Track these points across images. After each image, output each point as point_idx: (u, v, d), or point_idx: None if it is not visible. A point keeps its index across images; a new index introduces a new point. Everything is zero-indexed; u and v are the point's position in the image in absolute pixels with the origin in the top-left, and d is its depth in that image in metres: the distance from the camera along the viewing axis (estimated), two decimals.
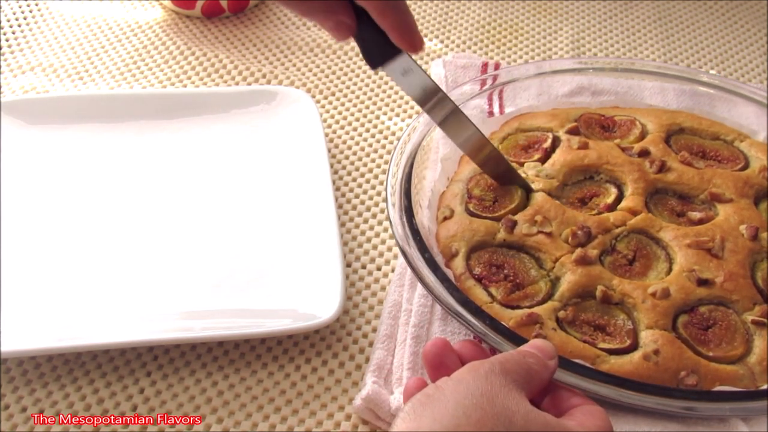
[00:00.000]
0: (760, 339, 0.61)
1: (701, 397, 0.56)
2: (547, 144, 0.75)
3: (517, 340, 0.57)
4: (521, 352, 0.50)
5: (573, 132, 0.76)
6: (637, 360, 0.59)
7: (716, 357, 0.60)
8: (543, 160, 0.73)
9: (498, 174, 0.71)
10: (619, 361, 0.59)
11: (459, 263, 0.65)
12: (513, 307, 0.62)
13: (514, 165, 0.72)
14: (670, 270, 0.65)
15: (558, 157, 0.73)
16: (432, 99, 0.65)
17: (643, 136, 0.77)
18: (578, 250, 0.65)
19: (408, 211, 0.66)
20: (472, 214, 0.69)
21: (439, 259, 0.65)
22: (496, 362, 0.48)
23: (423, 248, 0.63)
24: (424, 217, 0.68)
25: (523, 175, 0.71)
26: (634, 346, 0.60)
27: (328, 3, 0.58)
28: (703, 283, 0.63)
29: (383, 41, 0.60)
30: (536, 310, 0.61)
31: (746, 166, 0.74)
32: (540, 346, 0.51)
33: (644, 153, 0.73)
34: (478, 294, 0.63)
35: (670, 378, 0.58)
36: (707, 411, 0.56)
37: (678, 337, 0.60)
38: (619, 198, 0.70)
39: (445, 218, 0.69)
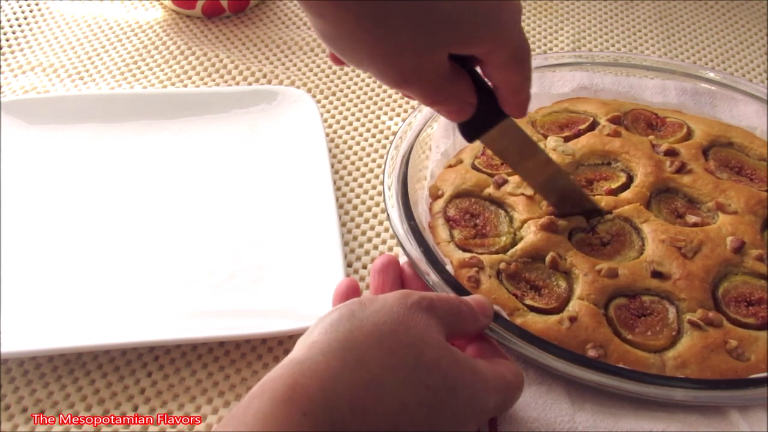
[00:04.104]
0: (688, 338, 0.60)
1: (683, 384, 0.56)
2: (584, 126, 0.76)
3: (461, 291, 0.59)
4: (458, 298, 0.52)
5: (614, 121, 0.76)
6: (550, 322, 0.59)
7: (633, 341, 0.59)
8: (570, 138, 0.74)
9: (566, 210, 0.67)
10: (534, 318, 0.60)
11: (439, 204, 0.68)
12: (466, 251, 0.64)
13: (541, 144, 0.73)
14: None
15: (583, 138, 0.74)
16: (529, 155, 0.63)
17: (685, 140, 0.75)
18: (546, 217, 0.66)
19: (407, 210, 0.65)
20: (475, 169, 0.71)
21: (440, 257, 0.64)
22: (427, 297, 0.49)
23: (425, 249, 0.62)
24: (422, 215, 0.68)
25: (544, 147, 0.72)
26: (557, 311, 0.61)
27: (458, 87, 0.54)
28: (657, 275, 0.63)
29: (487, 110, 0.56)
30: (483, 257, 0.63)
31: None
32: (480, 300, 0.53)
33: (671, 152, 0.73)
34: (441, 233, 0.66)
35: (576, 346, 0.58)
36: (707, 399, 0.56)
37: (604, 315, 0.61)
38: (626, 187, 0.70)
39: (450, 166, 0.72)
